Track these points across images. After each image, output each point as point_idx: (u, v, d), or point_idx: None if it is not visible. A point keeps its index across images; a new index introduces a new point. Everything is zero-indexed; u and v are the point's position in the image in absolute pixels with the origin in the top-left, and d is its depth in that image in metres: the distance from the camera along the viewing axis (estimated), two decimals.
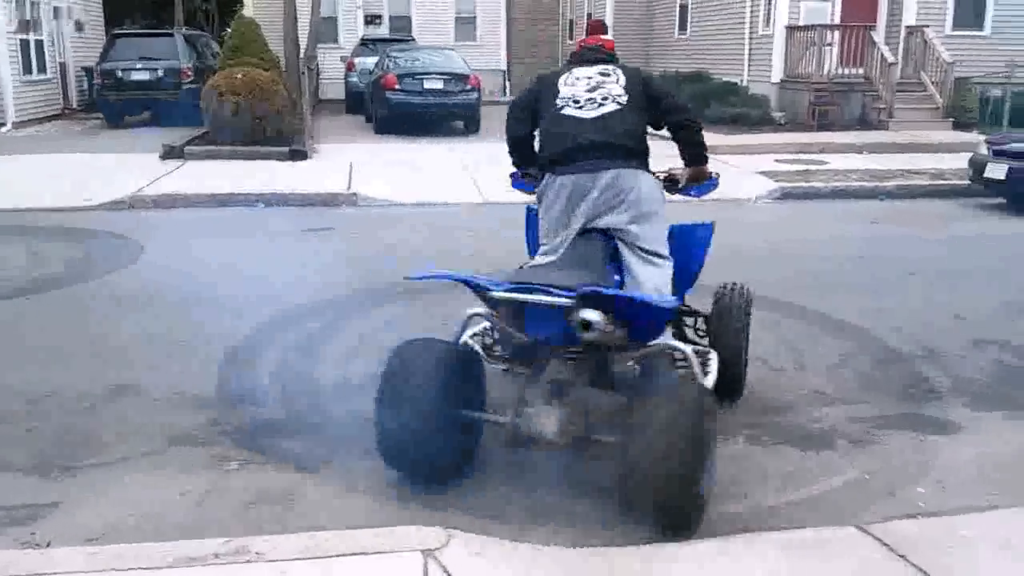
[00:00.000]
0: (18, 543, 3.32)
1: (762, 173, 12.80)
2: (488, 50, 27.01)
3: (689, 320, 4.72)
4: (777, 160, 14.00)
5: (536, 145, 4.39)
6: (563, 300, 3.37)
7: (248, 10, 25.49)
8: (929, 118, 16.95)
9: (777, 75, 18.39)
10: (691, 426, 3.23)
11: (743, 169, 12.99)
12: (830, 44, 17.14)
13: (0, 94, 17.30)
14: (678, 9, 23.42)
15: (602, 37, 4.50)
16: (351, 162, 13.40)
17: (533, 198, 4.49)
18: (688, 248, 4.37)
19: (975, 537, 3.35)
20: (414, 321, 6.18)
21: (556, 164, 4.10)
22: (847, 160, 14.06)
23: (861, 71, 17.29)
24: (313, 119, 16.65)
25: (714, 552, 3.21)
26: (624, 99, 4.12)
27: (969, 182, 11.40)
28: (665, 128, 4.30)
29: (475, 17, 27.66)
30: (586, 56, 4.38)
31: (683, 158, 4.40)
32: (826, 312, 6.33)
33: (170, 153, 13.52)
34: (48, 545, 3.29)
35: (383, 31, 26.21)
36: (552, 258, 4.11)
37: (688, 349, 3.99)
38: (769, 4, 18.58)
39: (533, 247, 4.58)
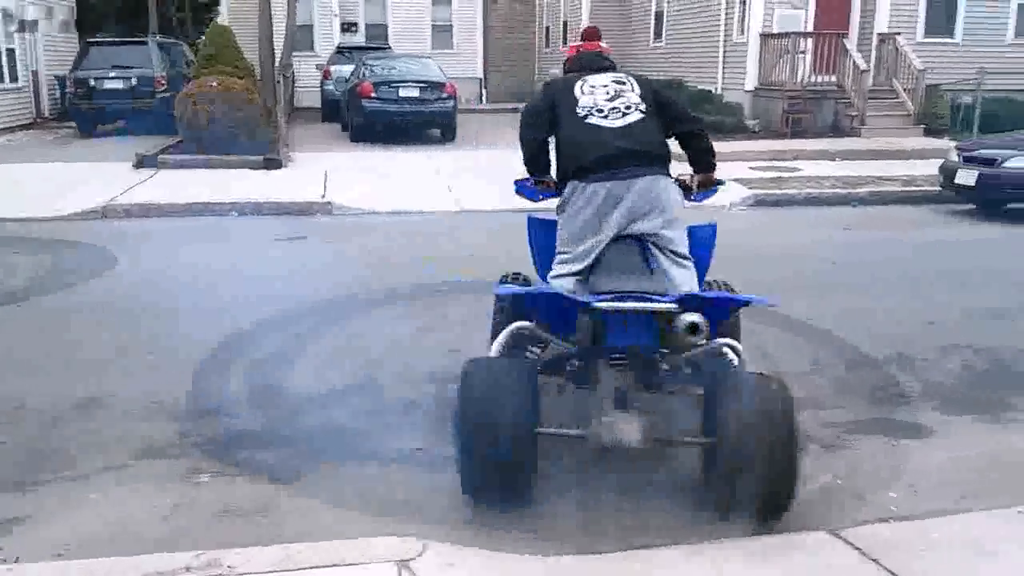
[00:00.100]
0: None
1: (736, 180, 12.84)
2: (464, 58, 27.02)
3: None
4: (751, 168, 14.09)
5: (553, 153, 4.38)
6: (669, 306, 3.45)
7: (223, 18, 25.43)
8: (901, 125, 17.13)
9: (751, 83, 18.53)
10: (790, 415, 3.41)
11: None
12: (803, 52, 17.29)
13: None
14: (653, 17, 23.56)
15: (600, 44, 4.58)
16: (326, 170, 13.37)
17: (536, 205, 4.57)
18: (697, 249, 4.44)
19: (947, 540, 3.38)
20: (388, 331, 6.18)
21: (588, 172, 4.11)
22: (820, 167, 14.19)
23: (834, 78, 17.44)
24: (288, 127, 16.60)
25: (685, 559, 3.22)
26: (643, 107, 4.21)
27: (940, 188, 11.52)
28: (673, 136, 4.37)
29: (451, 25, 27.68)
30: (595, 63, 4.46)
31: (692, 165, 4.50)
32: (799, 317, 6.37)
33: (143, 162, 13.42)
34: (17, 560, 3.25)
35: (359, 39, 26.15)
36: (581, 265, 4.09)
37: (737, 344, 4.02)
38: (743, 12, 18.73)
39: (542, 255, 4.61)
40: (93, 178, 12.47)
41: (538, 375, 3.91)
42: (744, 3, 18.62)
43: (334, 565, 3.08)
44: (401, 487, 3.88)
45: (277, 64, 17.42)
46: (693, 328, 3.42)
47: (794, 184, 12.77)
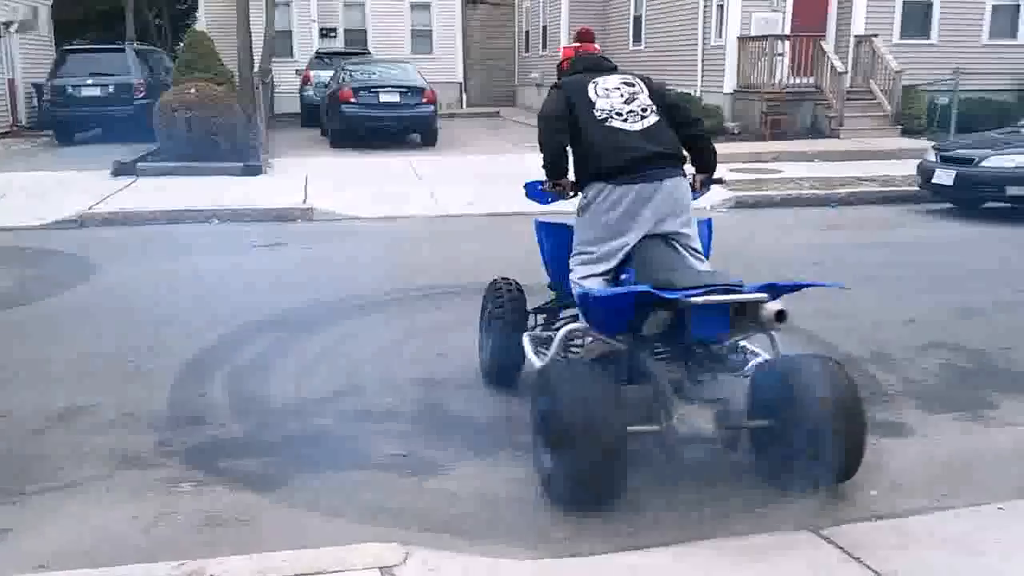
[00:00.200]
0: None
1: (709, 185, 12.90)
2: (444, 63, 27.01)
3: None
4: (731, 170, 14.09)
5: (572, 157, 4.41)
6: (763, 296, 3.65)
7: (201, 24, 25.31)
8: (879, 125, 17.25)
9: (730, 85, 18.61)
10: (856, 387, 3.73)
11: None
12: (781, 54, 17.39)
13: None
14: (632, 21, 23.62)
15: (596, 46, 4.67)
16: (306, 176, 13.32)
17: (546, 207, 4.64)
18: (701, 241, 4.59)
19: (928, 538, 3.40)
20: (371, 336, 6.16)
21: (617, 174, 4.18)
22: (799, 168, 14.26)
23: (812, 80, 17.55)
24: (268, 133, 16.54)
25: (670, 560, 3.23)
26: (655, 109, 4.32)
27: (918, 188, 11.61)
28: (680, 138, 4.43)
29: (431, 30, 27.67)
30: (600, 64, 4.55)
31: (695, 165, 4.60)
32: None
33: (122, 170, 13.33)
34: None
35: (339, 44, 26.11)
36: (609, 265, 4.20)
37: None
38: (721, 15, 18.82)
39: (555, 258, 4.71)
40: (71, 186, 12.38)
41: None
42: (722, 6, 18.72)
43: (317, 573, 3.06)
44: (384, 493, 3.87)
45: (256, 70, 17.34)
46: (780, 315, 3.64)
47: (774, 185, 12.83)
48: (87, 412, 4.78)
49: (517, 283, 5.04)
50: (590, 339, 4.16)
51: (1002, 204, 10.68)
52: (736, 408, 3.84)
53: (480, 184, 12.89)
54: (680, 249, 4.23)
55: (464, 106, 27.47)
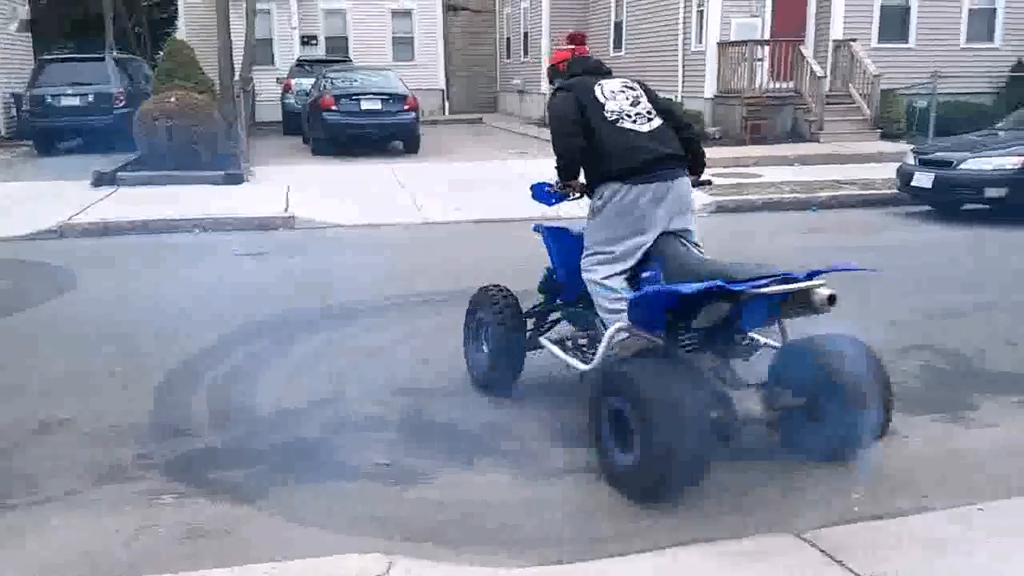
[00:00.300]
0: None
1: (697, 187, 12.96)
2: (426, 70, 27.02)
3: None
4: (712, 175, 14.15)
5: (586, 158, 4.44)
6: (819, 283, 3.78)
7: (181, 33, 25.23)
8: (858, 129, 17.38)
9: (710, 91, 18.70)
10: (877, 357, 4.09)
11: None
12: (761, 59, 17.50)
13: None
14: (613, 27, 23.71)
15: (587, 49, 4.75)
16: (288, 184, 13.28)
17: (550, 210, 4.74)
18: None
19: (910, 540, 3.42)
20: (354, 344, 6.15)
21: (632, 175, 4.24)
22: (780, 173, 14.34)
23: (792, 85, 17.68)
24: (249, 142, 16.49)
25: (649, 565, 3.23)
26: (655, 113, 4.43)
27: (897, 191, 11.70)
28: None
29: (412, 37, 27.69)
30: (599, 67, 4.65)
31: (687, 168, 4.62)
32: None
33: (102, 179, 13.24)
34: None
35: (320, 52, 26.08)
36: (629, 263, 4.27)
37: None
38: (701, 20, 18.92)
39: (563, 260, 4.78)
40: (50, 197, 12.28)
41: None
42: (702, 12, 18.82)
43: None
44: (368, 503, 3.86)
45: (236, 78, 17.30)
46: (832, 299, 3.76)
47: (754, 190, 12.89)
48: (66, 425, 4.74)
49: (508, 289, 5.05)
50: (624, 336, 4.16)
51: (981, 206, 10.77)
52: (782, 389, 4.01)
53: (463, 191, 12.89)
54: (689, 246, 4.35)
55: (446, 113, 27.51)
